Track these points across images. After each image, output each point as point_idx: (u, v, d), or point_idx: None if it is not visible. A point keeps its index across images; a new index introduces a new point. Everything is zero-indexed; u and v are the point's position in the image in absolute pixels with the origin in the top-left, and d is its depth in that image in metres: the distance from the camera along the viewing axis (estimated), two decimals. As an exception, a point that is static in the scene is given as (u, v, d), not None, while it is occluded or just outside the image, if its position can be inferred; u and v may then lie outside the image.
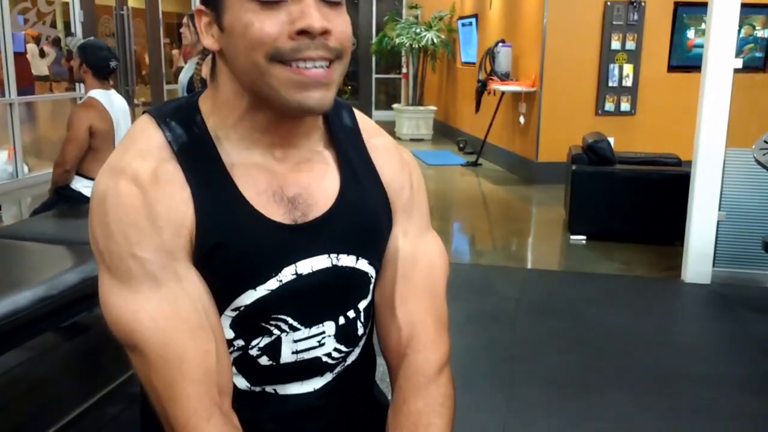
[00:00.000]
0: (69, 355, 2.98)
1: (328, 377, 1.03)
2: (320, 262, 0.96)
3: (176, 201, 0.89)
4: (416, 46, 10.42)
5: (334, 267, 0.98)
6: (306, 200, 0.97)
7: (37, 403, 2.53)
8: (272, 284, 0.94)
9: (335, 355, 1.02)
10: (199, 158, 0.92)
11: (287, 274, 0.94)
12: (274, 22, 0.85)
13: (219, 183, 0.92)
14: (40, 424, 2.38)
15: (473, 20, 9.37)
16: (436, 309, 1.06)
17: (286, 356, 0.98)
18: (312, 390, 1.02)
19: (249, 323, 0.95)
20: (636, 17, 6.72)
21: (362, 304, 1.04)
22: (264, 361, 0.98)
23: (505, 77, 7.57)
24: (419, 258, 1.06)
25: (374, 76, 13.68)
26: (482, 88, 7.86)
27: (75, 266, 2.12)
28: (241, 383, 0.99)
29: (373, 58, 13.05)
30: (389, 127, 12.16)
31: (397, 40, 10.54)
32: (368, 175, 1.04)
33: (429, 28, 10.42)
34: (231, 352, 0.96)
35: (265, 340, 0.97)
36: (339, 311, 1.01)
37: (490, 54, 7.77)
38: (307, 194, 0.97)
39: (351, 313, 1.02)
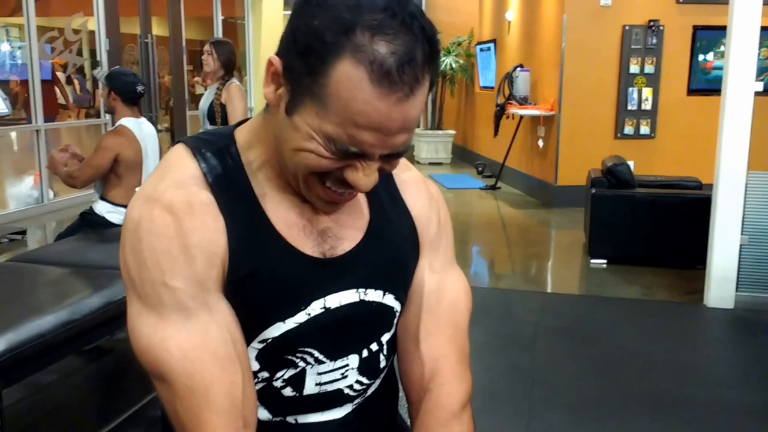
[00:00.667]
0: (91, 378, 3.01)
1: (349, 408, 1.03)
2: (348, 296, 0.97)
3: (210, 231, 0.89)
4: None
5: (362, 301, 0.98)
6: (336, 234, 0.98)
7: (60, 425, 2.55)
8: (301, 317, 0.94)
9: (357, 387, 1.02)
10: (232, 190, 0.93)
11: (316, 307, 0.95)
12: (330, 164, 0.85)
13: (251, 215, 0.93)
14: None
15: (492, 45, 9.42)
16: (459, 345, 1.06)
17: (310, 388, 0.99)
18: (333, 419, 1.02)
19: (275, 355, 0.95)
20: (654, 41, 6.73)
21: (385, 337, 1.04)
22: (287, 392, 0.98)
23: (523, 101, 7.59)
24: (444, 293, 1.07)
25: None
26: (501, 112, 7.88)
27: (98, 290, 2.15)
28: (263, 414, 0.99)
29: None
30: (408, 152, 12.21)
31: None
32: (396, 209, 1.05)
33: (448, 53, 10.49)
34: (255, 384, 0.96)
35: (290, 372, 0.97)
36: (363, 344, 1.01)
37: (509, 78, 7.80)
38: (336, 228, 0.98)
39: (374, 346, 1.02)
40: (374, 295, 0.99)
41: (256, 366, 0.96)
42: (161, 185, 0.91)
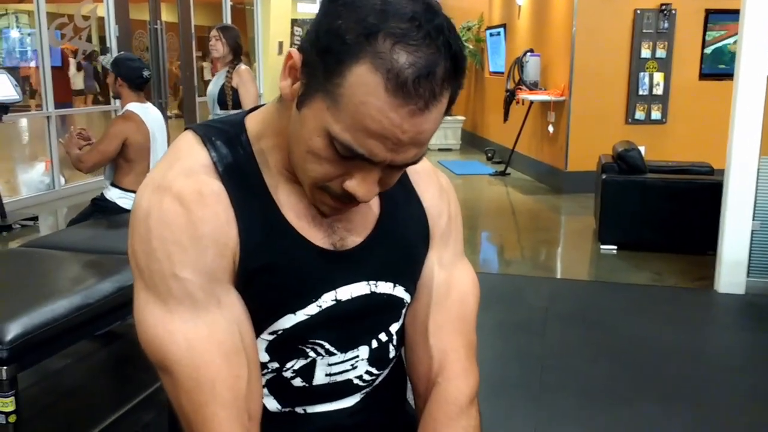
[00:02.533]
0: (104, 363, 3.04)
1: (357, 397, 1.03)
2: (359, 288, 0.97)
3: (221, 222, 0.88)
4: None
5: (372, 293, 0.98)
6: (345, 225, 0.97)
7: (73, 409, 2.58)
8: (312, 309, 0.93)
9: (366, 378, 1.02)
10: (243, 180, 0.91)
11: (327, 299, 0.94)
12: (332, 170, 0.84)
13: (263, 205, 0.92)
14: (76, 430, 2.43)
15: (501, 30, 9.35)
16: (467, 338, 1.07)
17: (320, 378, 0.99)
18: (341, 408, 1.02)
19: (285, 346, 0.95)
20: (666, 25, 6.67)
21: (394, 327, 1.04)
22: (297, 382, 0.98)
23: (533, 86, 7.55)
24: (453, 286, 1.07)
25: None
26: (511, 97, 7.84)
27: (111, 275, 2.17)
28: (272, 405, 0.99)
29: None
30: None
31: None
32: (408, 200, 1.05)
33: None
34: (264, 374, 0.96)
35: (300, 363, 0.97)
36: (373, 335, 1.01)
37: (519, 63, 7.75)
38: (346, 219, 0.97)
39: (384, 337, 1.02)
40: (385, 287, 0.99)
41: (265, 357, 0.95)
42: (170, 173, 0.89)
